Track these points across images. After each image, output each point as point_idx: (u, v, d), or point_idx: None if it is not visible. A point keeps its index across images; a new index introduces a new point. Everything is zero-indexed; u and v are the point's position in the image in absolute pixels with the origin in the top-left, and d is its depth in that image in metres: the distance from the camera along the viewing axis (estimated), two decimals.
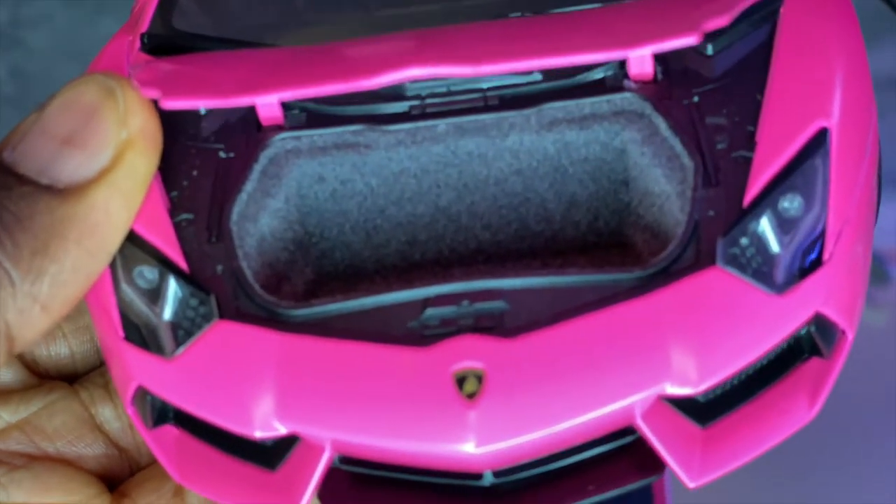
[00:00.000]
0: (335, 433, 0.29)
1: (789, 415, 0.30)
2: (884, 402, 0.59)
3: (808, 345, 0.30)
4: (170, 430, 0.31)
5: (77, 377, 0.35)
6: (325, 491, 0.30)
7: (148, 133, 0.31)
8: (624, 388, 0.28)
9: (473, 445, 0.28)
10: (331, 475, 0.30)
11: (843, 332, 0.30)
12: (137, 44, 0.34)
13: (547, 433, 0.28)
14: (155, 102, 0.31)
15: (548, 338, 0.28)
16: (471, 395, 0.28)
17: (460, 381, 0.28)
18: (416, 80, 0.30)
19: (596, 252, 0.33)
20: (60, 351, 0.35)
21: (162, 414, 0.31)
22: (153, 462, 0.34)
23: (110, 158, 0.30)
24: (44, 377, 0.34)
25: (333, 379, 0.29)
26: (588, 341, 0.28)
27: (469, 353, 0.28)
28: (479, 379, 0.28)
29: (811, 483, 0.58)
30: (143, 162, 0.31)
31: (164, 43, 0.34)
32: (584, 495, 0.30)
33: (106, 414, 0.34)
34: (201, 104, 0.31)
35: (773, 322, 0.29)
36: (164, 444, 0.31)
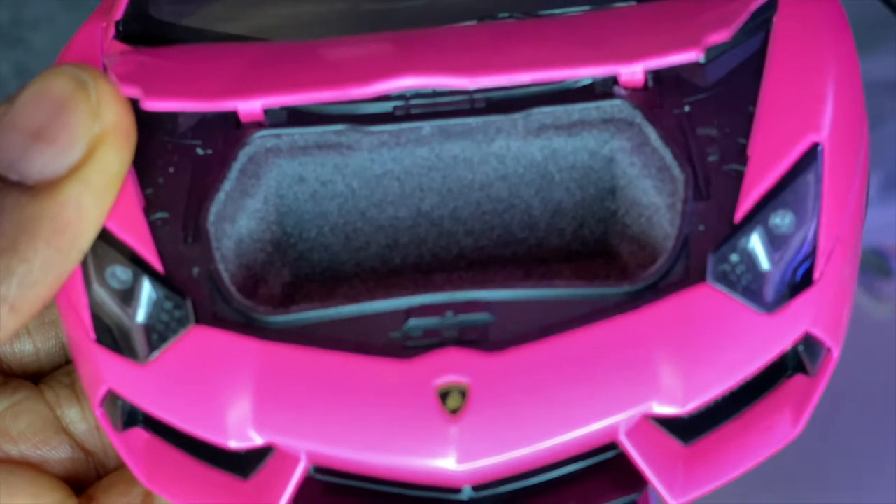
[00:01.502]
0: (313, 445, 0.28)
1: (773, 432, 0.29)
2: (888, 394, 0.59)
3: (794, 362, 0.29)
4: (139, 434, 0.30)
5: (42, 375, 0.34)
6: (299, 501, 0.29)
7: (122, 128, 0.30)
8: (610, 407, 0.27)
9: (455, 461, 0.27)
10: (305, 485, 0.29)
11: (829, 350, 0.30)
12: (112, 31, 0.33)
13: (530, 450, 0.27)
14: (134, 101, 0.30)
15: (534, 353, 0.28)
16: (454, 411, 0.27)
17: (443, 395, 0.28)
18: (407, 90, 0.29)
19: (580, 261, 0.32)
20: (25, 348, 0.34)
21: (131, 417, 0.30)
22: (121, 465, 0.33)
23: (82, 154, 0.29)
24: (7, 375, 0.33)
25: (312, 389, 0.28)
26: (575, 357, 0.28)
27: (453, 367, 0.28)
28: (463, 394, 0.28)
29: (812, 478, 0.58)
30: (116, 157, 0.29)
31: (139, 31, 0.33)
32: None
33: (72, 415, 0.33)
34: (183, 107, 0.30)
35: (762, 342, 0.28)
36: (132, 447, 0.30)
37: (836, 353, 0.30)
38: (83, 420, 0.33)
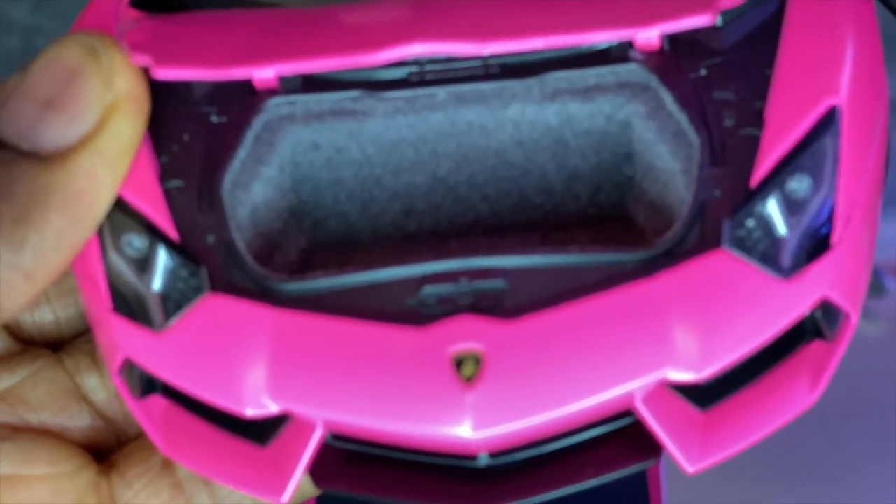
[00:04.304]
0: (328, 413, 0.28)
1: (791, 398, 0.29)
2: (879, 411, 0.59)
3: (811, 327, 0.29)
4: (157, 401, 0.30)
5: (62, 343, 0.34)
6: (316, 468, 0.30)
7: (134, 96, 0.30)
8: (625, 374, 0.27)
9: (470, 429, 0.27)
10: (322, 452, 0.29)
11: (848, 316, 0.29)
12: None
13: (545, 418, 0.27)
14: (145, 69, 0.30)
15: (548, 320, 0.28)
16: (469, 378, 0.27)
17: (458, 363, 0.28)
18: (417, 57, 0.29)
19: (597, 225, 0.32)
20: (45, 316, 0.34)
21: (150, 384, 0.30)
22: (141, 433, 0.33)
23: (94, 122, 0.29)
24: (28, 343, 0.34)
25: (327, 357, 0.28)
26: (589, 324, 0.28)
27: (468, 334, 0.28)
28: (477, 361, 0.28)
29: (806, 492, 0.58)
30: (129, 126, 0.29)
31: None
32: (580, 478, 0.29)
33: (91, 383, 0.33)
34: (195, 75, 0.30)
35: (778, 307, 0.28)
36: (151, 415, 0.31)
37: (854, 319, 0.30)
38: (103, 388, 0.33)
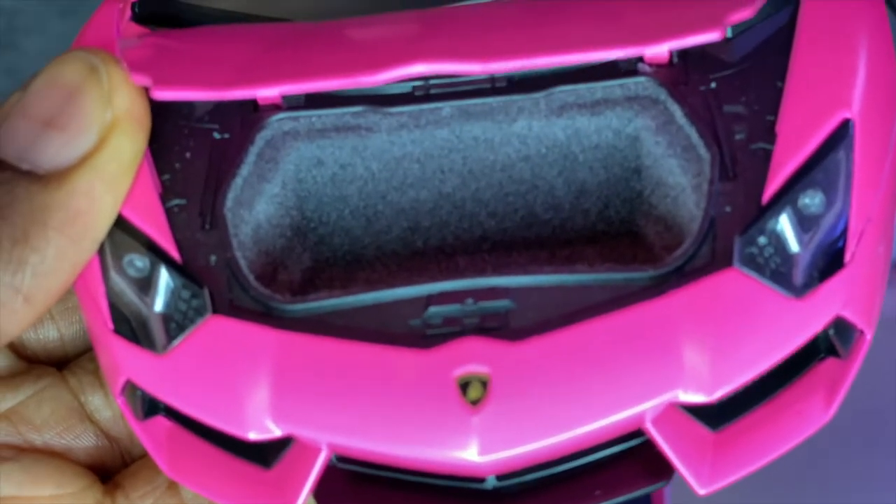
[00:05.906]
0: (332, 437, 0.28)
1: (805, 417, 0.29)
2: (873, 415, 0.59)
3: (825, 344, 0.29)
4: (161, 422, 0.30)
5: (67, 360, 0.34)
6: (321, 490, 0.29)
7: (135, 114, 0.29)
8: (634, 397, 0.27)
9: (476, 453, 0.27)
10: (328, 473, 0.29)
11: (862, 333, 0.29)
12: (128, 13, 0.32)
13: (552, 441, 0.27)
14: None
15: (556, 341, 0.27)
16: (475, 402, 0.27)
17: (464, 385, 0.27)
18: (421, 77, 0.29)
19: (605, 242, 0.31)
20: (49, 334, 0.33)
21: (153, 405, 0.30)
22: (146, 452, 0.33)
23: (94, 141, 0.28)
24: (32, 361, 0.33)
25: (331, 380, 0.28)
26: (598, 346, 0.27)
27: (473, 356, 0.27)
28: (484, 384, 0.27)
29: (801, 494, 0.58)
30: (129, 144, 0.29)
31: (155, 13, 0.32)
32: (590, 500, 0.29)
33: (96, 402, 0.33)
34: (194, 96, 0.29)
35: (791, 327, 0.27)
36: (154, 436, 0.30)
37: (869, 336, 0.29)
38: (107, 407, 0.33)
